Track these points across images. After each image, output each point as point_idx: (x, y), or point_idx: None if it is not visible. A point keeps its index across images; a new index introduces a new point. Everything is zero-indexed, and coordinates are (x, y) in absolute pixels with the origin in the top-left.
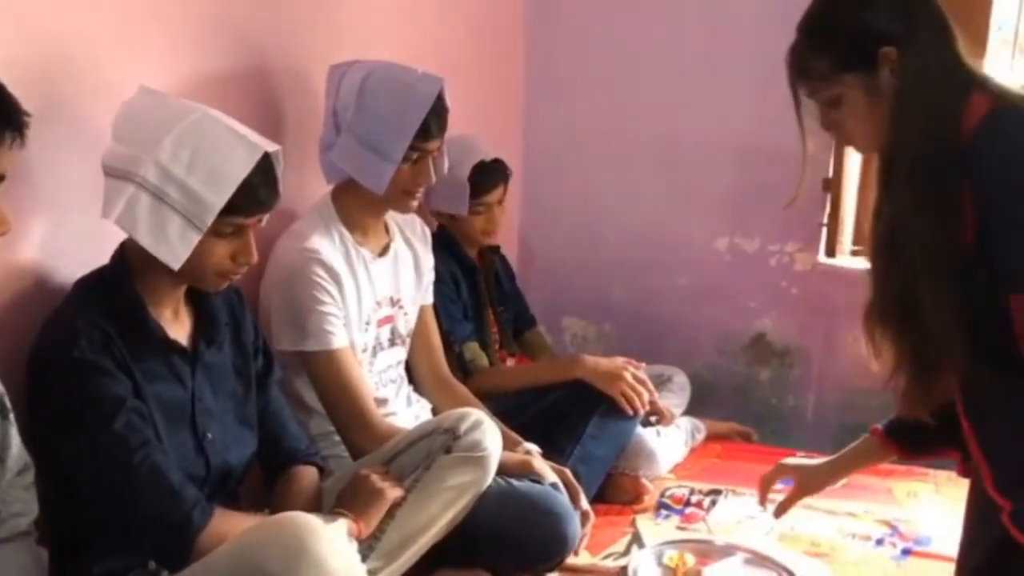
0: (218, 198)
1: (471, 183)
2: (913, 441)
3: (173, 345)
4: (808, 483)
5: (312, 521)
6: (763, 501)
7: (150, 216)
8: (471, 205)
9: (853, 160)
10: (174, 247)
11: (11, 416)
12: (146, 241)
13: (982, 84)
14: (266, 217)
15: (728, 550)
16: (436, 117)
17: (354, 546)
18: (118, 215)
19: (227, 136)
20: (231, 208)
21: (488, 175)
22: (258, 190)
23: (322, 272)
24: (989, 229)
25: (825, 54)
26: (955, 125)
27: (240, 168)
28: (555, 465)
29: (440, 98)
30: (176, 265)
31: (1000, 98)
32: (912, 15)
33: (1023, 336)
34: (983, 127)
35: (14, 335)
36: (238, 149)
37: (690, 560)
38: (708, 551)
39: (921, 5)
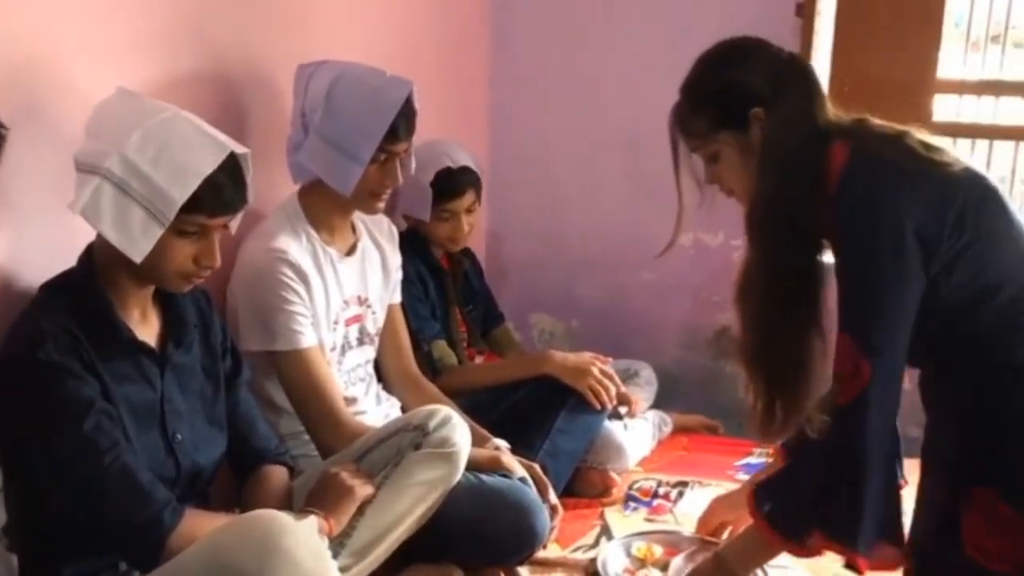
0: (181, 192)
1: (434, 189)
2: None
3: (141, 346)
4: (728, 511)
5: (283, 518)
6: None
7: (114, 208)
8: (435, 212)
9: None
10: (136, 240)
11: None
12: (110, 233)
13: (845, 134)
14: (234, 224)
15: (695, 541)
16: (404, 120)
17: (325, 542)
18: (83, 206)
19: (195, 134)
20: (195, 206)
21: (452, 182)
22: (224, 190)
23: (289, 272)
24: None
25: (703, 114)
26: (814, 173)
27: (204, 165)
28: (524, 460)
29: (408, 101)
30: (138, 258)
31: (856, 148)
32: (778, 76)
33: (836, 373)
34: (843, 174)
35: None
36: (204, 147)
37: (658, 551)
38: (676, 541)
39: (787, 67)
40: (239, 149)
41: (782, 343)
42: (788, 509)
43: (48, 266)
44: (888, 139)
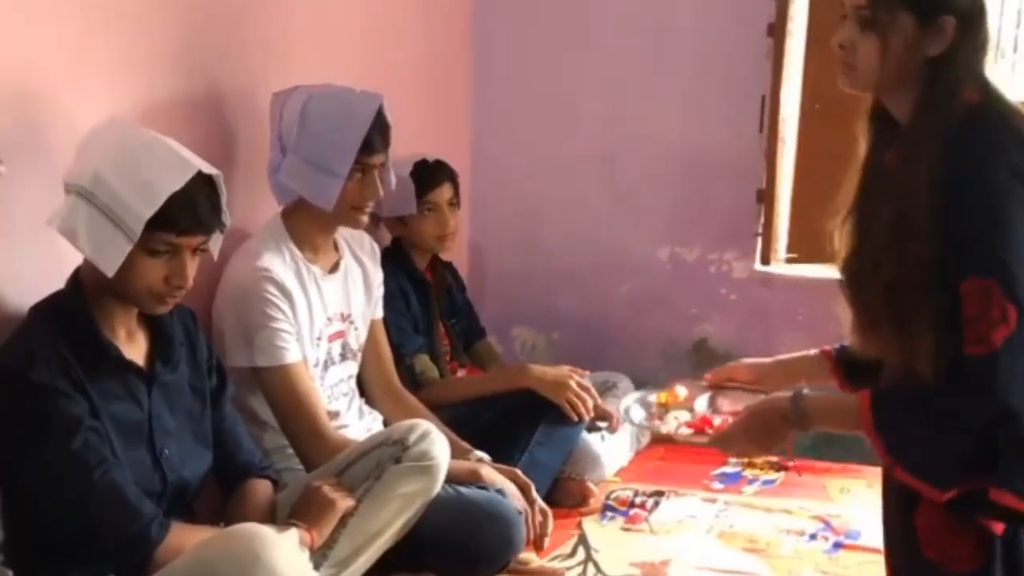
0: (146, 208)
1: (415, 181)
2: (853, 376)
3: (129, 365)
4: (749, 373)
5: (264, 531)
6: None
7: (87, 223)
8: (419, 206)
9: (786, 172)
10: (107, 253)
11: None
12: (84, 248)
13: (982, 88)
14: (215, 247)
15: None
16: (378, 132)
17: (306, 554)
18: (60, 222)
19: (167, 155)
20: (164, 223)
21: (430, 172)
22: (193, 209)
23: (273, 289)
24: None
25: None
26: (958, 106)
27: (171, 183)
28: (505, 467)
29: (380, 114)
30: (110, 272)
31: (986, 98)
32: (981, 12)
33: (968, 320)
34: (970, 115)
35: None
36: (172, 166)
37: (682, 393)
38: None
39: (984, 13)
40: (209, 170)
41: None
42: (933, 463)
43: (36, 287)
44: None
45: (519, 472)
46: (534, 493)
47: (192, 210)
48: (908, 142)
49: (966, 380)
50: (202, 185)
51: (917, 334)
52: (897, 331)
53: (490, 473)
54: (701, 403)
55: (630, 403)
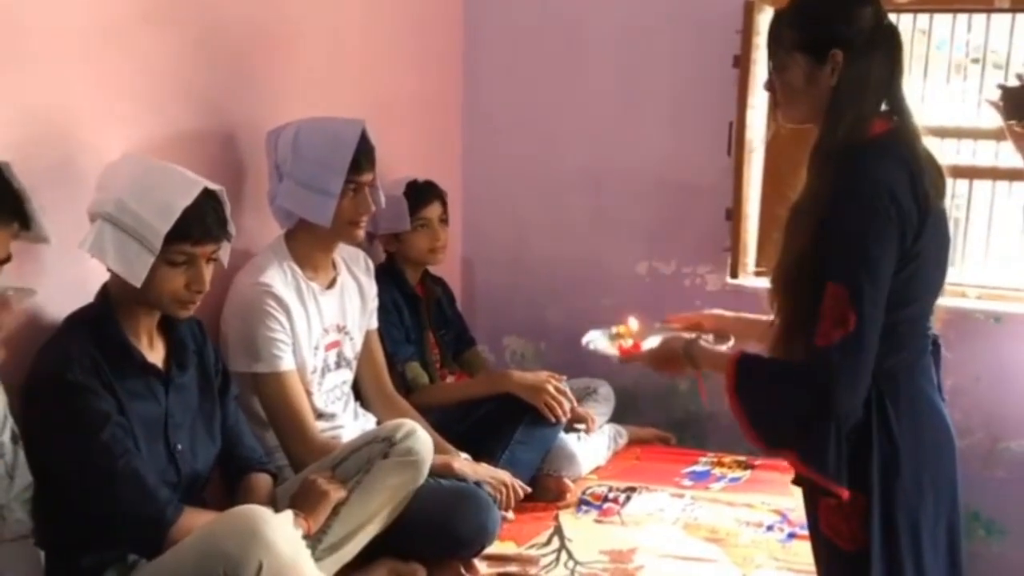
0: (164, 224)
1: (408, 200)
2: None
3: (151, 368)
4: (712, 321)
5: (263, 511)
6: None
7: (114, 243)
8: (412, 222)
9: (753, 192)
10: (133, 267)
11: (20, 442)
12: (113, 264)
13: (898, 114)
14: (224, 256)
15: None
16: (364, 153)
17: (300, 532)
18: (90, 244)
19: (177, 178)
20: (180, 236)
21: (421, 191)
22: (202, 220)
23: (273, 303)
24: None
25: (793, 29)
26: (859, 133)
27: (182, 199)
28: (492, 468)
29: (364, 137)
30: (137, 283)
31: (894, 130)
32: (873, 35)
33: (822, 316)
34: (871, 142)
35: (17, 370)
36: (182, 186)
37: (633, 324)
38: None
39: (884, 34)
40: (212, 186)
41: (813, 272)
42: (769, 422)
43: (67, 301)
44: (919, 144)
45: (503, 474)
46: (506, 475)
47: (202, 222)
48: (812, 165)
49: (807, 364)
50: (208, 199)
51: (797, 319)
52: (787, 314)
53: (462, 465)
54: (651, 341)
55: (595, 335)
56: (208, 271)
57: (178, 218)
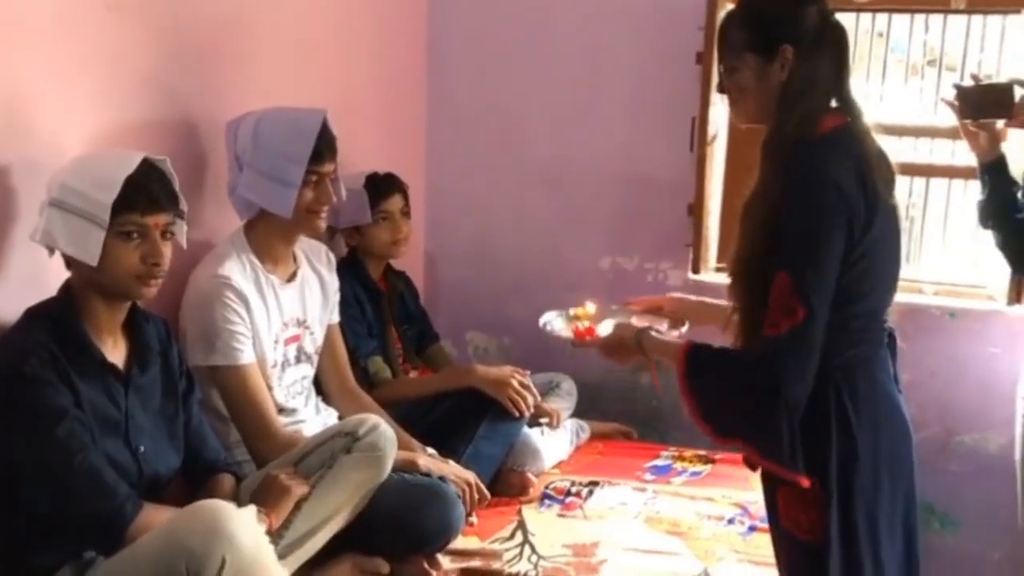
0: (107, 195)
1: (369, 192)
2: None
3: (110, 368)
4: (673, 304)
5: (225, 506)
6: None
7: (62, 226)
8: (374, 215)
9: (715, 187)
10: (86, 245)
11: None
12: (65, 248)
13: (849, 113)
14: (180, 234)
15: (624, 313)
16: (325, 143)
17: (263, 527)
18: (40, 234)
19: (115, 154)
20: (126, 206)
21: (382, 183)
22: (148, 188)
23: (231, 295)
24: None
25: (743, 30)
26: (809, 128)
27: (122, 170)
28: (459, 467)
29: (325, 127)
30: (92, 262)
31: (844, 126)
32: (820, 33)
33: (771, 306)
34: (821, 137)
35: None
36: (123, 159)
37: (591, 308)
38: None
39: (832, 32)
40: (155, 158)
41: (766, 263)
42: (719, 411)
43: (24, 296)
44: (869, 140)
45: (469, 475)
46: (471, 476)
47: (147, 189)
48: (764, 159)
49: (755, 353)
50: (152, 170)
51: (755, 310)
52: (745, 306)
53: (427, 461)
54: (605, 325)
55: (552, 316)
56: (167, 248)
57: (123, 188)
